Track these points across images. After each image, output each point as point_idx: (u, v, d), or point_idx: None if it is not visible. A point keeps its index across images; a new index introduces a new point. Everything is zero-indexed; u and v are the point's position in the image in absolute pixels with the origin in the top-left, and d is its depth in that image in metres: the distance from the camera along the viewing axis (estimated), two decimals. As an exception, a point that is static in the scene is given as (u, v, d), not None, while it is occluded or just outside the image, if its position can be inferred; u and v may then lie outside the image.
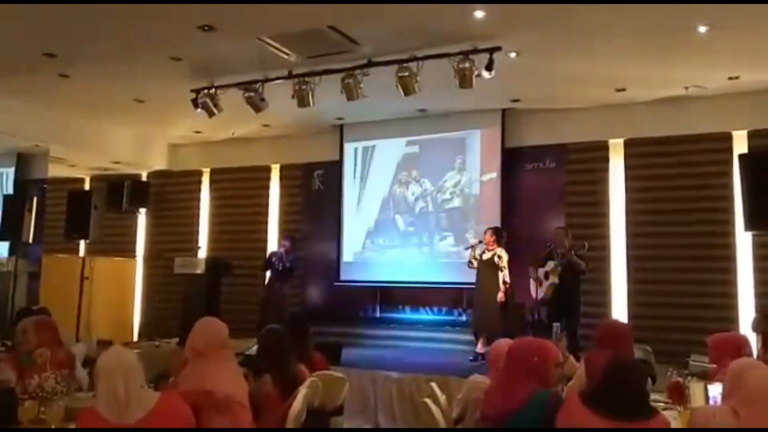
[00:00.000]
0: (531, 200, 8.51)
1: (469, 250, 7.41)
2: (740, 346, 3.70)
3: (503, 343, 3.69)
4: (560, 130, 8.30)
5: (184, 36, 6.08)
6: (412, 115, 8.83)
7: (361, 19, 5.73)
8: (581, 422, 2.61)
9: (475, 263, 7.30)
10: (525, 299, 7.41)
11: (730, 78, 6.93)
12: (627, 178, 8.05)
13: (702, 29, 5.64)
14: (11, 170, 10.39)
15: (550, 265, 7.01)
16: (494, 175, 8.60)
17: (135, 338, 10.10)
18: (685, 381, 3.53)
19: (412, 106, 8.33)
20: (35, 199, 9.17)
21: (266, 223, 10.09)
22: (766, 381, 2.63)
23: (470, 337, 7.56)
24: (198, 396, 2.98)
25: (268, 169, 10.23)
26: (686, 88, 7.24)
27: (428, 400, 3.65)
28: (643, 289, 7.74)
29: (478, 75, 6.14)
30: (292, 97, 6.89)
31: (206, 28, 5.86)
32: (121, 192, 10.43)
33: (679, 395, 3.48)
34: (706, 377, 3.68)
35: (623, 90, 7.45)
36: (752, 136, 7.40)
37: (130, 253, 10.83)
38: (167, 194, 10.81)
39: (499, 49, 6.03)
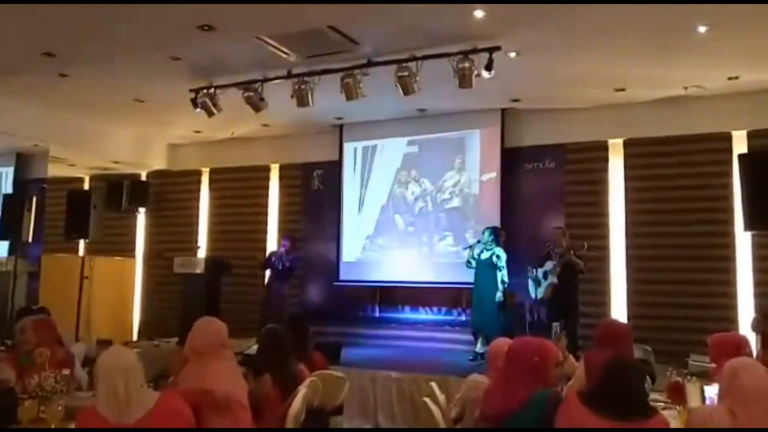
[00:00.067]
0: (530, 200, 8.50)
1: (468, 250, 7.43)
2: (740, 346, 3.69)
3: (502, 342, 3.69)
4: (560, 130, 8.30)
5: (183, 36, 6.08)
6: (411, 115, 8.82)
7: (360, 19, 5.73)
8: (580, 422, 2.61)
9: (474, 263, 7.31)
10: (524, 299, 7.41)
11: (730, 78, 6.93)
12: (626, 178, 8.05)
13: (702, 29, 5.64)
14: (11, 170, 10.38)
15: (549, 265, 7.03)
16: (494, 174, 8.60)
17: (134, 338, 10.11)
18: (684, 381, 3.54)
19: (411, 106, 8.32)
20: (35, 199, 9.17)
21: (266, 222, 10.08)
22: (761, 380, 2.63)
23: (469, 337, 7.58)
24: (198, 395, 2.98)
25: (267, 169, 10.23)
26: (686, 88, 7.24)
27: (427, 400, 3.64)
28: (643, 289, 7.73)
29: (478, 75, 6.13)
30: (292, 96, 6.88)
31: (206, 28, 5.86)
32: (121, 192, 10.44)
33: (678, 395, 3.49)
34: (706, 377, 3.69)
35: (623, 90, 7.44)
36: (752, 136, 7.40)
37: (130, 252, 10.83)
38: (167, 194, 10.82)
39: (498, 48, 6.02)
